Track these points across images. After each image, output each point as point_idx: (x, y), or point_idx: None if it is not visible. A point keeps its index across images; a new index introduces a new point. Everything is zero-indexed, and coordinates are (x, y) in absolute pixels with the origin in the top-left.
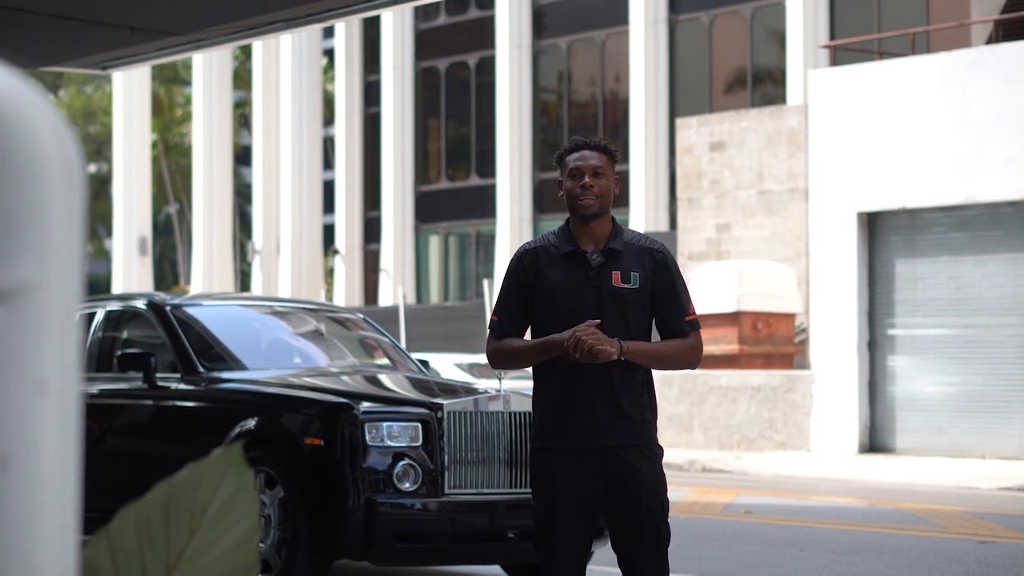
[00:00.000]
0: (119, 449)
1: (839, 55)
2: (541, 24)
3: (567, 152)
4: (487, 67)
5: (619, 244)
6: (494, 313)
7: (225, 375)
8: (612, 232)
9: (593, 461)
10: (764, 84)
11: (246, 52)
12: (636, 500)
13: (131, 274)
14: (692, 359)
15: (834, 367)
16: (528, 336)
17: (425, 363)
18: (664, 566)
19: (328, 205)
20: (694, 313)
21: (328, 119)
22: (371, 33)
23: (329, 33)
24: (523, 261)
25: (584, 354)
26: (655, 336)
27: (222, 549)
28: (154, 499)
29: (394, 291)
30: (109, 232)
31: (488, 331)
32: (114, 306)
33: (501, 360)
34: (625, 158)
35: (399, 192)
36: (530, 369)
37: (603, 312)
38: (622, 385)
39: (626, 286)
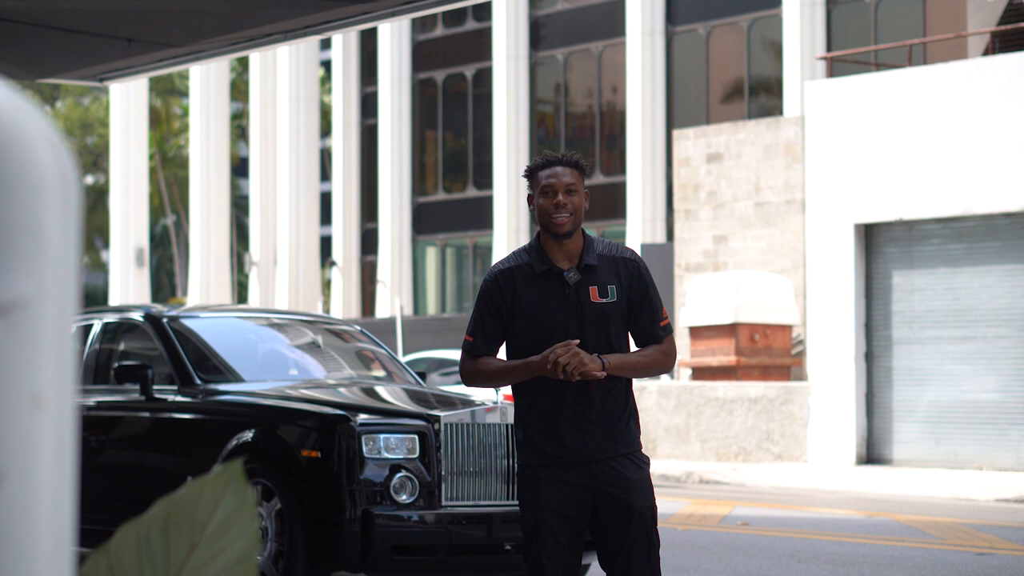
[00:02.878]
0: (116, 461)
1: (836, 67)
2: (538, 36)
3: (539, 167)
4: (484, 79)
5: (593, 258)
6: (468, 334)
7: (222, 387)
8: (584, 246)
9: (580, 473)
10: (761, 95)
11: (243, 64)
12: (627, 508)
13: (128, 286)
14: (668, 364)
15: (831, 378)
16: (502, 354)
17: (422, 375)
18: (657, 574)
19: (325, 217)
20: (667, 317)
21: (325, 131)
22: (368, 45)
23: (326, 45)
24: (499, 281)
25: (571, 373)
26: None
27: (221, 565)
28: (154, 516)
29: (391, 303)
30: (106, 244)
31: (462, 351)
32: (111, 318)
33: (477, 380)
34: (622, 169)
35: (396, 203)
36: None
37: (584, 328)
38: (603, 396)
39: (604, 300)
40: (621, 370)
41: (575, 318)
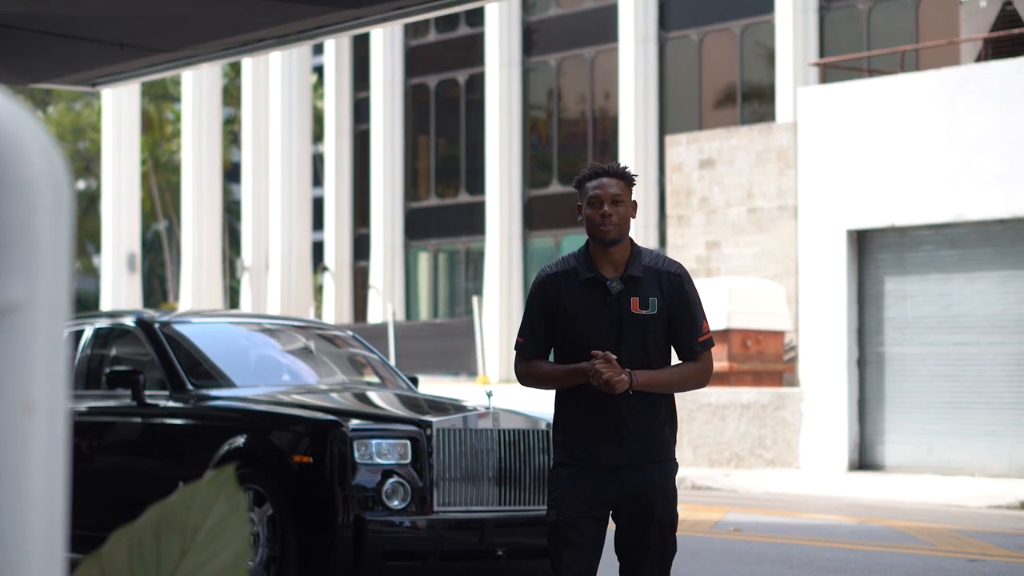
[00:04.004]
0: (108, 467)
1: (829, 73)
2: (531, 41)
3: (587, 178)
4: (477, 84)
5: (638, 270)
6: (520, 335)
7: (214, 392)
8: (631, 257)
9: (608, 477)
10: (754, 101)
11: (236, 69)
12: (648, 513)
13: (120, 291)
14: (701, 381)
15: (824, 385)
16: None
17: (414, 380)
18: None
19: (317, 222)
20: (708, 331)
21: (318, 136)
22: (361, 50)
23: (319, 50)
24: (546, 285)
25: (602, 384)
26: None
27: (213, 570)
28: (146, 521)
29: (383, 308)
30: (98, 249)
31: (515, 352)
32: (103, 323)
33: (530, 381)
34: None
35: (388, 209)
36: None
37: (623, 338)
38: (640, 403)
39: (645, 312)
40: (650, 387)
41: (614, 327)
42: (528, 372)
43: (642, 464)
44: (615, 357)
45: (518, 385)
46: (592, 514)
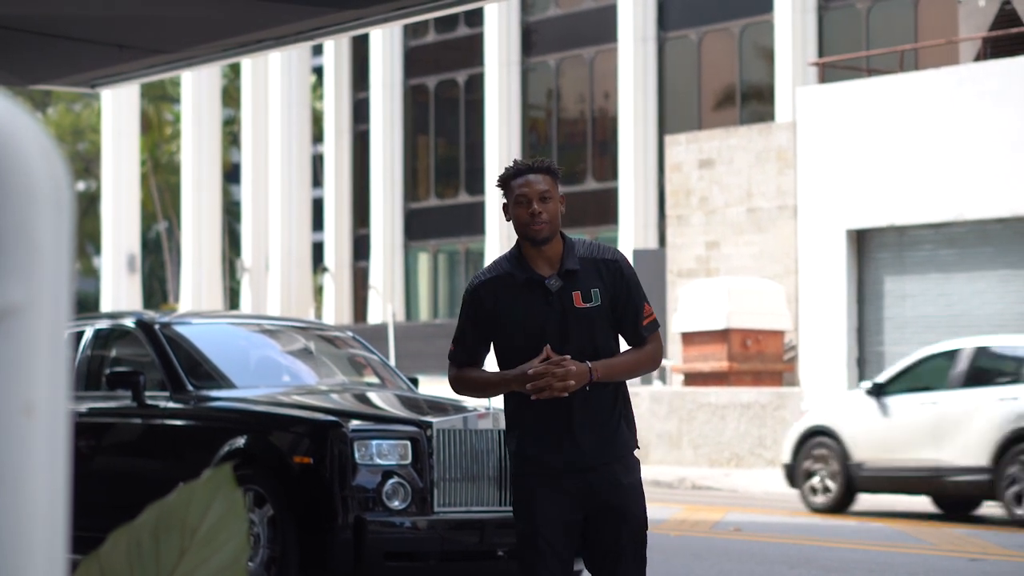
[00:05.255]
0: (108, 468)
1: (828, 72)
2: (530, 41)
3: (511, 176)
4: (476, 84)
5: (574, 263)
6: (453, 343)
7: (214, 393)
8: (564, 251)
9: (574, 481)
10: (753, 101)
11: (235, 70)
12: (620, 515)
13: (120, 292)
14: (653, 364)
15: (823, 384)
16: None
17: (414, 380)
18: None
19: (317, 223)
20: (651, 314)
21: (317, 137)
22: (360, 51)
23: (318, 51)
24: (479, 293)
25: (553, 390)
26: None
27: (211, 569)
28: (144, 521)
29: (383, 309)
30: (97, 250)
31: (448, 360)
32: (103, 324)
33: (463, 389)
34: (614, 175)
35: (388, 209)
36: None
37: (569, 335)
38: (594, 401)
39: (589, 304)
40: (609, 376)
41: (559, 325)
42: (459, 380)
43: (604, 464)
44: (567, 358)
45: (463, 395)
46: (564, 521)
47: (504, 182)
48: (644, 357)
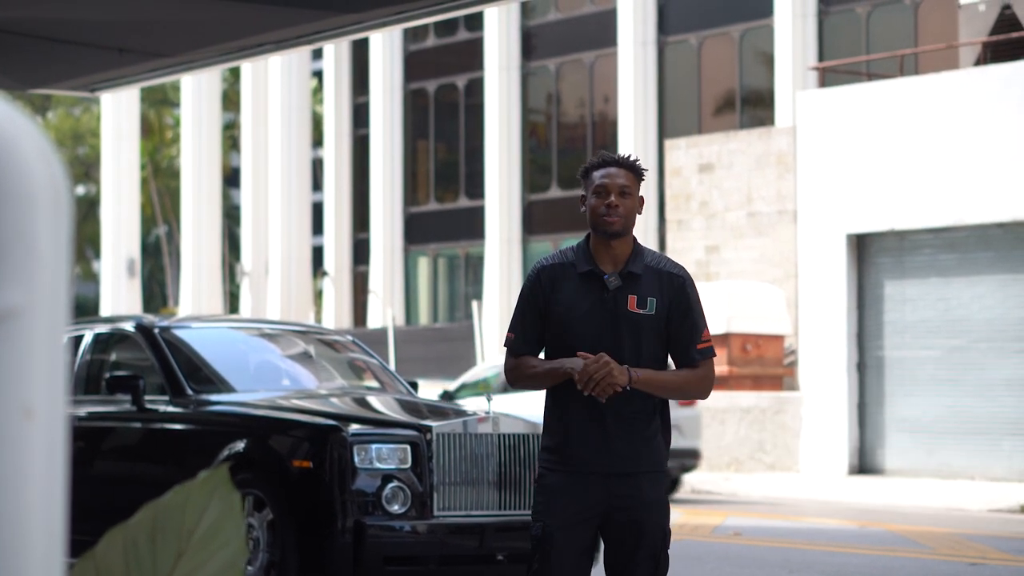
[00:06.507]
0: (107, 472)
1: (828, 77)
2: (530, 46)
3: (593, 167)
4: (476, 89)
5: (638, 267)
6: (510, 330)
7: (214, 397)
8: (632, 253)
9: (597, 486)
10: (753, 106)
11: (235, 74)
12: (639, 530)
13: (119, 296)
14: (702, 390)
15: (823, 388)
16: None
17: (414, 384)
18: None
19: (317, 227)
20: (708, 340)
21: (317, 141)
22: (360, 55)
23: (318, 55)
24: (540, 278)
25: (593, 388)
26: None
27: (209, 572)
28: (140, 522)
29: (383, 313)
30: (97, 254)
31: (504, 349)
32: (102, 328)
33: (519, 380)
34: None
35: (388, 214)
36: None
37: (616, 336)
38: (634, 409)
39: (641, 311)
40: (648, 386)
41: (609, 324)
42: (517, 369)
43: (633, 473)
44: (607, 358)
45: (518, 388)
46: (579, 526)
47: (586, 172)
48: (693, 379)
